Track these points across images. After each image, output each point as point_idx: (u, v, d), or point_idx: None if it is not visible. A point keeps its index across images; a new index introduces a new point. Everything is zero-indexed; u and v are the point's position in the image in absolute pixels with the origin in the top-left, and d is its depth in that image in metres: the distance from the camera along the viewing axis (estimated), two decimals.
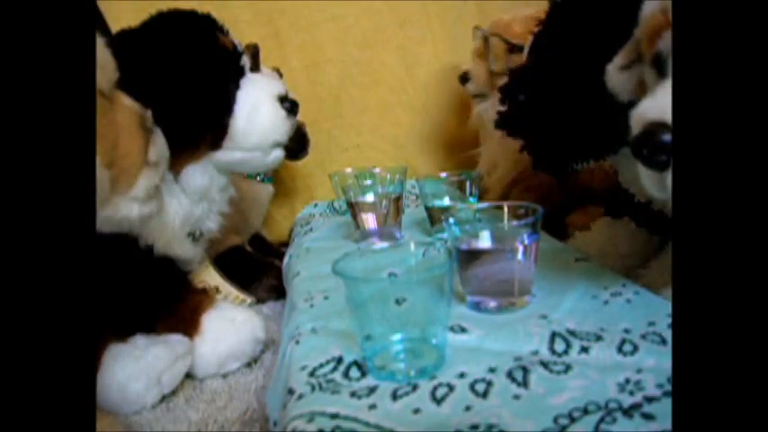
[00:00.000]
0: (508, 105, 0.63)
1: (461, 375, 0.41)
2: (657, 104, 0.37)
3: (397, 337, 0.43)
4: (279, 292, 0.84)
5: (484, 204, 0.58)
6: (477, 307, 0.52)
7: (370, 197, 0.77)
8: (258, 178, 0.98)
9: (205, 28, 0.69)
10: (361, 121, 1.16)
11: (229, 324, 0.65)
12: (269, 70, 0.90)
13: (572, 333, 0.45)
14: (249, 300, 0.84)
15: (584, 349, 0.43)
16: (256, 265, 0.90)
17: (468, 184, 0.77)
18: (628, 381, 0.38)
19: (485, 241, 0.53)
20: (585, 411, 0.35)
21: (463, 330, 0.47)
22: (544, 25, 0.60)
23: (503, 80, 0.67)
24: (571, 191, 0.93)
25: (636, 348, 0.42)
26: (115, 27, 0.68)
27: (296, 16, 1.12)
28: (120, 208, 0.53)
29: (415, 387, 0.40)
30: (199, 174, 0.68)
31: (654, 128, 0.36)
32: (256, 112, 0.69)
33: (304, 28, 1.13)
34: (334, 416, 0.38)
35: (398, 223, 0.78)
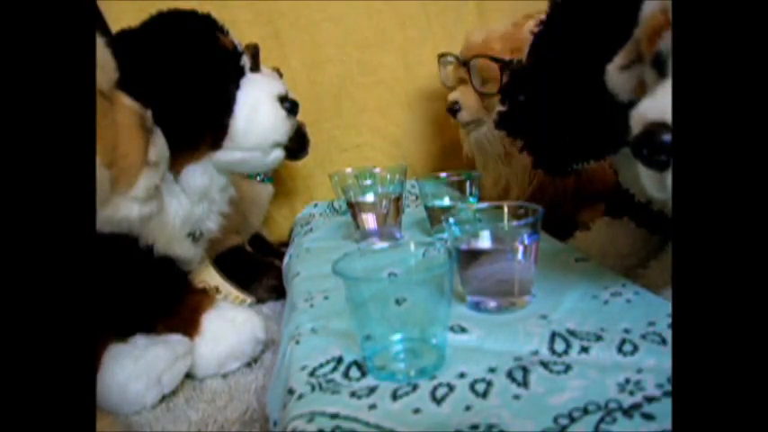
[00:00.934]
0: (508, 105, 0.63)
1: (461, 375, 0.41)
2: (657, 104, 0.37)
3: (397, 337, 0.43)
4: (279, 292, 0.84)
5: (484, 204, 0.58)
6: (477, 307, 0.52)
7: (370, 197, 0.77)
8: (258, 178, 0.98)
9: (205, 28, 0.69)
10: (362, 121, 1.16)
11: (229, 324, 0.65)
12: (269, 70, 0.90)
13: (572, 333, 0.45)
14: (249, 300, 0.84)
15: (584, 349, 0.43)
16: (256, 266, 0.90)
17: (468, 184, 0.77)
18: (628, 381, 0.38)
19: (485, 241, 0.53)
20: (585, 411, 0.35)
21: (463, 330, 0.47)
22: (544, 25, 0.60)
23: (497, 102, 0.66)
24: (584, 189, 0.93)
25: (636, 348, 0.42)
26: (115, 27, 0.68)
27: (296, 16, 1.12)
28: (120, 208, 0.53)
29: (415, 387, 0.40)
30: (199, 174, 0.68)
31: (654, 128, 0.36)
32: (256, 112, 0.69)
33: (304, 28, 1.13)
34: (334, 416, 0.38)
35: (398, 223, 0.78)
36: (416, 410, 0.38)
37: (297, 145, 0.99)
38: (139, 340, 0.60)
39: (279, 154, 0.73)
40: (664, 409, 0.34)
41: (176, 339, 0.62)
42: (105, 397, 0.56)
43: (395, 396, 0.39)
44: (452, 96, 0.95)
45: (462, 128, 0.99)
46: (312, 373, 0.43)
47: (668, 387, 0.36)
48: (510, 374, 0.40)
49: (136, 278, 0.64)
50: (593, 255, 0.67)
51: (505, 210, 0.54)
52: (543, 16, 0.61)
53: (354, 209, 0.78)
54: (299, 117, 0.79)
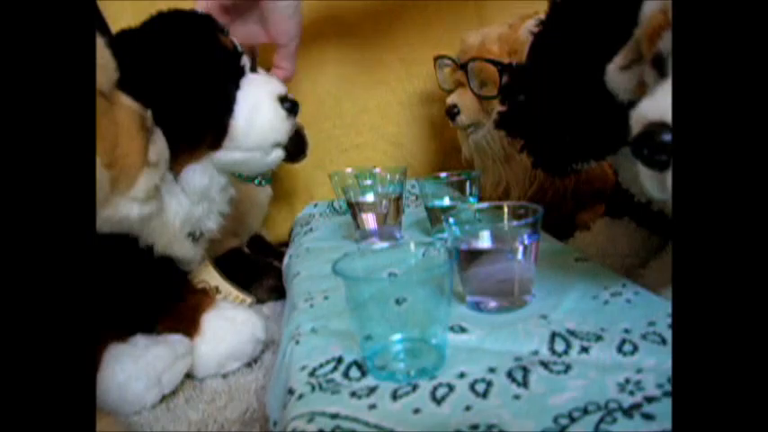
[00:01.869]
0: (508, 105, 0.63)
1: (461, 375, 0.41)
2: (657, 104, 0.37)
3: (397, 337, 0.43)
4: (279, 293, 0.84)
5: (484, 204, 0.58)
6: (477, 307, 0.52)
7: (370, 197, 0.77)
8: (255, 182, 0.98)
9: (205, 28, 0.69)
10: (361, 121, 1.16)
11: (229, 324, 0.65)
12: (263, 71, 0.90)
13: (572, 333, 0.45)
14: (249, 300, 0.84)
15: (585, 349, 0.43)
16: (255, 267, 0.90)
17: (468, 184, 0.77)
18: (628, 381, 0.38)
19: (485, 241, 0.53)
20: (585, 411, 0.35)
21: (463, 330, 0.47)
22: (544, 25, 0.60)
23: (496, 105, 0.66)
24: (584, 190, 0.93)
25: (636, 348, 0.42)
26: (115, 27, 0.67)
27: None
28: (120, 208, 0.53)
29: (415, 387, 0.40)
30: (199, 174, 0.68)
31: (654, 128, 0.36)
32: (256, 112, 0.69)
33: (304, 28, 1.12)
34: (334, 416, 0.38)
35: (398, 223, 0.78)
36: (416, 410, 0.38)
37: (295, 148, 0.99)
38: (139, 340, 0.60)
39: (279, 154, 0.73)
40: (664, 409, 0.34)
41: (176, 339, 0.62)
42: (105, 397, 0.56)
43: (395, 396, 0.39)
44: (450, 100, 0.95)
45: (461, 131, 0.99)
46: (312, 373, 0.43)
47: (668, 387, 0.36)
48: (510, 374, 0.40)
49: (136, 278, 0.64)
50: (593, 255, 0.67)
51: (505, 210, 0.54)
52: (543, 16, 0.61)
53: (354, 209, 0.78)
54: (299, 117, 0.79)
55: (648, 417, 0.34)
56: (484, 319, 0.50)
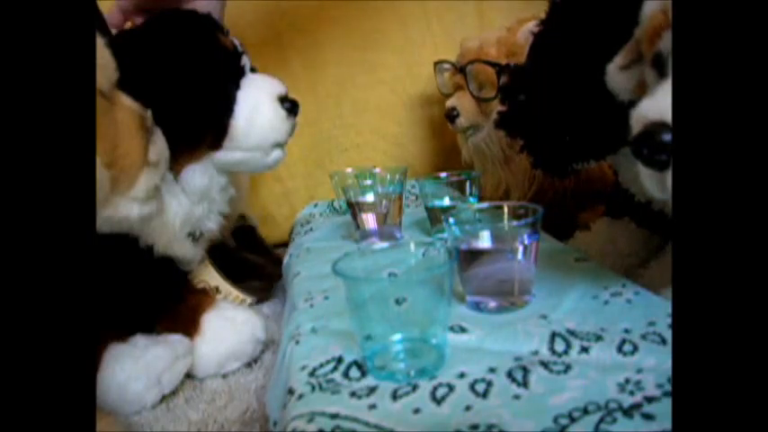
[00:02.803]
0: (508, 105, 0.63)
1: (461, 375, 0.41)
2: (658, 104, 0.37)
3: (397, 337, 0.43)
4: (266, 292, 0.84)
5: (484, 204, 0.58)
6: (477, 307, 0.52)
7: (370, 197, 0.77)
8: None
9: (205, 28, 0.69)
10: (361, 121, 1.16)
11: (229, 324, 0.65)
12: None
13: (572, 333, 0.45)
14: (249, 300, 0.84)
15: (585, 349, 0.43)
16: (242, 266, 0.89)
17: (468, 184, 0.77)
18: (628, 381, 0.38)
19: (485, 241, 0.53)
20: (585, 411, 0.35)
21: (463, 330, 0.47)
22: (544, 25, 0.60)
23: (494, 107, 0.66)
24: (584, 190, 0.93)
25: (636, 348, 0.42)
26: None
27: (296, 17, 1.12)
28: (120, 208, 0.53)
29: (415, 387, 0.40)
30: (199, 174, 0.68)
31: (654, 128, 0.36)
32: (257, 112, 0.69)
33: (304, 28, 1.13)
34: (334, 416, 0.38)
35: (398, 223, 0.78)
36: (416, 410, 0.38)
37: None
38: (139, 340, 0.60)
39: (279, 154, 0.73)
40: (664, 409, 0.34)
41: (176, 339, 0.62)
42: (105, 397, 0.56)
43: (395, 396, 0.39)
44: (450, 103, 0.96)
45: (460, 134, 0.99)
46: (312, 373, 0.43)
47: (668, 387, 0.36)
48: (510, 374, 0.40)
49: (136, 278, 0.64)
50: (593, 255, 0.67)
51: (505, 210, 0.54)
52: (543, 16, 0.61)
53: (354, 209, 0.78)
54: (299, 117, 0.79)
55: (648, 417, 0.34)
56: (484, 319, 0.50)
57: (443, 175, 0.80)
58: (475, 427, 0.35)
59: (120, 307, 0.60)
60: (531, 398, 0.38)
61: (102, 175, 0.48)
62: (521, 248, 0.51)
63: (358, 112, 1.16)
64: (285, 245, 0.97)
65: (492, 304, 0.51)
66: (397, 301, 0.41)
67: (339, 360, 0.45)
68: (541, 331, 0.46)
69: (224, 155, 0.69)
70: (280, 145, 0.72)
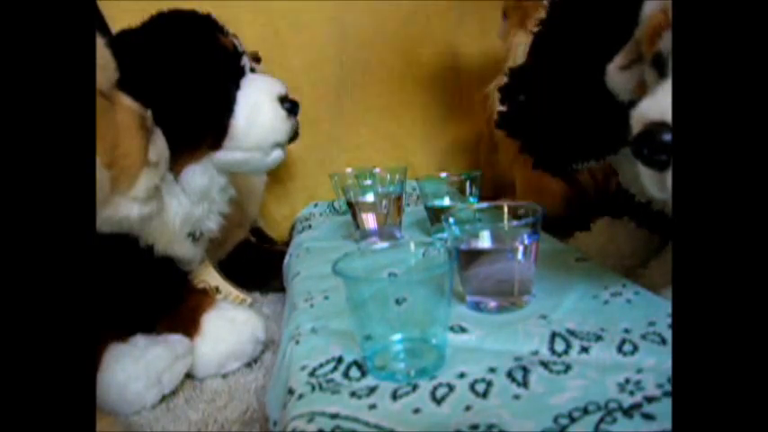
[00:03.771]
0: (508, 105, 0.63)
1: (461, 375, 0.41)
2: (658, 104, 0.37)
3: (397, 337, 0.43)
4: None
5: (484, 204, 0.58)
6: (477, 307, 0.52)
7: (370, 197, 0.77)
8: None
9: (205, 28, 0.69)
10: (362, 121, 1.16)
11: (229, 324, 0.65)
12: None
13: (572, 333, 0.45)
14: (249, 300, 0.84)
15: (585, 349, 0.43)
16: (269, 256, 0.90)
17: (468, 184, 0.77)
18: (628, 381, 0.38)
19: (485, 241, 0.53)
20: (585, 411, 0.35)
21: (463, 330, 0.47)
22: (544, 25, 0.60)
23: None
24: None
25: (636, 348, 0.42)
26: (115, 27, 0.68)
27: (296, 16, 1.12)
28: (121, 208, 0.53)
29: (415, 387, 0.40)
30: (199, 174, 0.68)
31: (654, 128, 0.36)
32: (257, 112, 0.69)
33: (304, 28, 1.12)
34: (334, 416, 0.38)
35: (398, 223, 0.78)
36: (416, 410, 0.38)
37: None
38: (139, 340, 0.60)
39: (279, 154, 0.73)
40: (664, 409, 0.34)
41: (176, 339, 0.62)
42: (105, 397, 0.56)
43: (395, 396, 0.39)
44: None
45: (507, 36, 0.96)
46: (312, 373, 0.43)
47: (668, 387, 0.36)
48: (510, 374, 0.40)
49: (136, 278, 0.64)
50: (593, 255, 0.67)
51: (505, 210, 0.54)
52: (543, 16, 0.61)
53: (354, 209, 0.78)
54: (299, 117, 0.79)
55: (648, 417, 0.34)
56: (484, 319, 0.50)
57: (443, 175, 0.80)
58: (475, 427, 0.35)
59: (120, 307, 0.60)
60: (531, 398, 0.38)
61: (102, 175, 0.48)
62: (521, 248, 0.51)
63: (358, 112, 1.16)
64: (285, 245, 0.97)
65: (492, 304, 0.51)
66: (397, 301, 0.42)
67: (339, 360, 0.45)
68: (541, 331, 0.46)
69: (224, 155, 0.69)
70: (280, 145, 0.72)
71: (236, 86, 0.69)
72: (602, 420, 0.34)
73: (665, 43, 0.40)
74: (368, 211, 0.77)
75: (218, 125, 0.68)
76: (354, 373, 0.43)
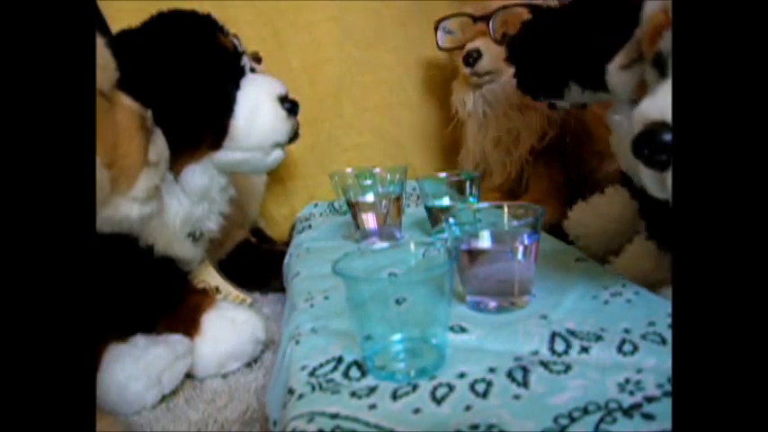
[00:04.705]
0: (518, 32, 0.69)
1: (461, 375, 0.41)
2: (658, 104, 0.37)
3: (397, 337, 0.43)
4: None
5: (484, 204, 0.58)
6: (477, 307, 0.52)
7: (370, 197, 0.77)
8: None
9: (205, 28, 0.69)
10: (362, 121, 1.16)
11: (229, 324, 0.65)
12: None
13: (572, 333, 0.45)
14: (249, 300, 0.84)
15: (585, 349, 0.43)
16: (269, 256, 0.91)
17: (468, 184, 0.77)
18: (628, 381, 0.38)
19: (485, 241, 0.53)
20: (585, 411, 0.35)
21: (463, 330, 0.47)
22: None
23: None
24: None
25: (636, 348, 0.42)
26: (115, 27, 0.68)
27: (296, 16, 1.12)
28: (121, 208, 0.53)
29: (415, 387, 0.40)
30: (199, 174, 0.68)
31: (654, 127, 0.36)
32: (257, 112, 0.69)
33: (304, 28, 1.12)
34: (334, 416, 0.38)
35: (398, 223, 0.78)
36: (416, 410, 0.38)
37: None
38: (139, 340, 0.60)
39: (279, 154, 0.73)
40: (664, 409, 0.34)
41: (176, 339, 0.62)
42: (105, 397, 0.56)
43: (395, 396, 0.39)
44: (473, 45, 0.96)
45: (463, 85, 1.02)
46: (312, 373, 0.43)
47: (668, 387, 0.36)
48: (510, 374, 0.40)
49: (136, 278, 0.64)
50: (589, 232, 0.70)
51: (505, 210, 0.54)
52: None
53: (354, 209, 0.78)
54: (299, 117, 0.79)
55: (648, 417, 0.34)
56: (484, 319, 0.50)
57: (443, 175, 0.80)
58: (475, 427, 0.35)
59: (120, 307, 0.60)
60: (531, 398, 0.38)
61: (102, 175, 0.48)
62: (521, 248, 0.51)
63: (358, 112, 1.16)
64: (285, 245, 0.98)
65: (492, 304, 0.51)
66: (397, 301, 0.42)
67: (339, 360, 0.45)
68: (541, 331, 0.46)
69: (224, 155, 0.69)
70: (280, 145, 0.72)
71: (237, 86, 0.69)
72: (602, 420, 0.34)
73: (666, 43, 0.40)
74: (368, 211, 0.77)
75: (219, 125, 0.68)
76: (354, 373, 0.43)
